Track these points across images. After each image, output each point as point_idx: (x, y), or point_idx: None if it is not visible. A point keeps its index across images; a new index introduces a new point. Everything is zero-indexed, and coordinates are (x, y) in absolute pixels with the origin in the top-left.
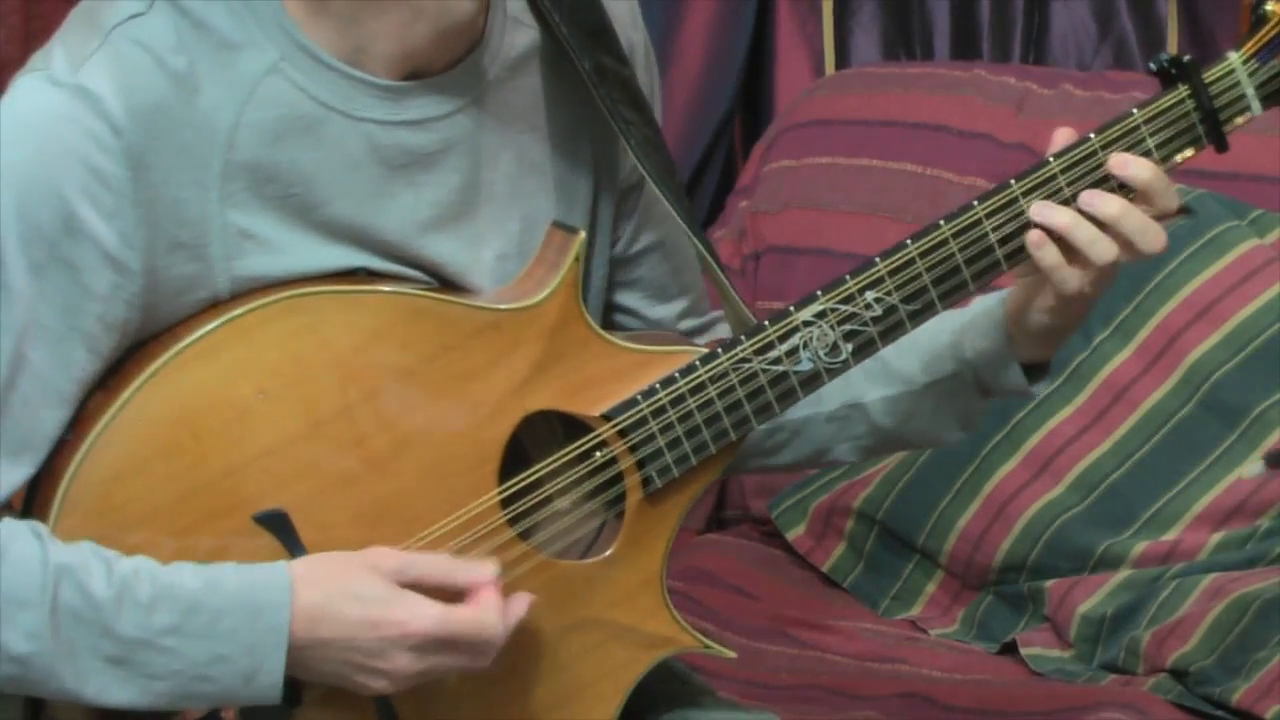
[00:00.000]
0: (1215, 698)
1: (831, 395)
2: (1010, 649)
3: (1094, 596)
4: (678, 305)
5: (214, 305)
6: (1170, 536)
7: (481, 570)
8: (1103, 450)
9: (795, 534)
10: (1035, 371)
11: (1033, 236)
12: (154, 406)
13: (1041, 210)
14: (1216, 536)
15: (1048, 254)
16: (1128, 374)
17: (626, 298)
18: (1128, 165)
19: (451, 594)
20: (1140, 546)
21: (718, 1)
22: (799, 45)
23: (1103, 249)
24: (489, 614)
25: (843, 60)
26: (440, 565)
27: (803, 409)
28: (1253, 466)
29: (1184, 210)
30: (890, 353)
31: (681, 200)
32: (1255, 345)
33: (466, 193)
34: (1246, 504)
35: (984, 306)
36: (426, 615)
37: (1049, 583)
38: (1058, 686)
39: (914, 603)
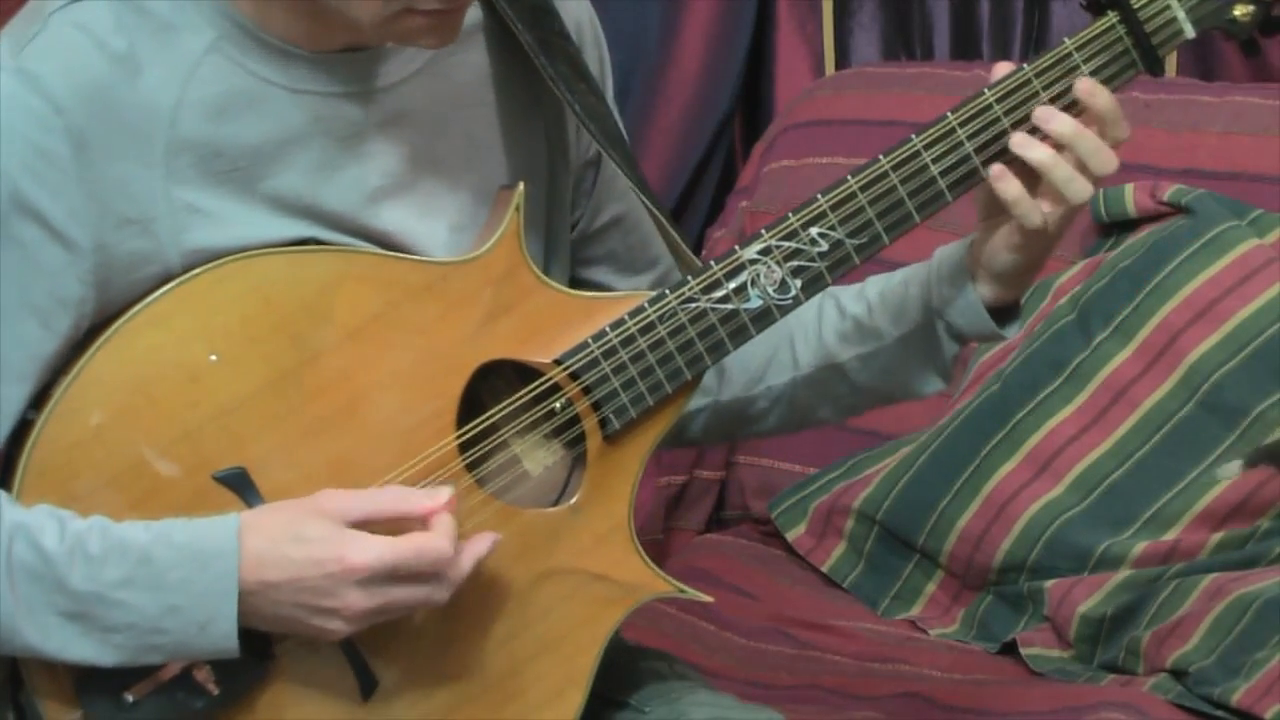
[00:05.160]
0: (1215, 698)
1: (806, 359)
2: (1010, 649)
3: (1094, 596)
4: (648, 277)
5: (167, 278)
6: (1170, 536)
7: (433, 495)
8: (1103, 450)
9: (795, 534)
10: (1004, 314)
11: (994, 169)
12: (109, 374)
13: (1022, 143)
14: (1216, 536)
15: (1010, 186)
16: (1128, 374)
17: (597, 273)
18: (1095, 92)
19: (410, 527)
20: (1140, 546)
21: (718, 1)
22: (799, 45)
23: (1079, 187)
24: (435, 538)
25: (843, 60)
26: (389, 496)
27: (781, 374)
28: (1228, 468)
29: (1183, 209)
30: (859, 310)
31: (631, 164)
32: (1255, 345)
33: (415, 164)
34: (1246, 504)
35: (946, 253)
36: (369, 548)
37: (1049, 583)
38: (1058, 686)
39: (914, 603)
